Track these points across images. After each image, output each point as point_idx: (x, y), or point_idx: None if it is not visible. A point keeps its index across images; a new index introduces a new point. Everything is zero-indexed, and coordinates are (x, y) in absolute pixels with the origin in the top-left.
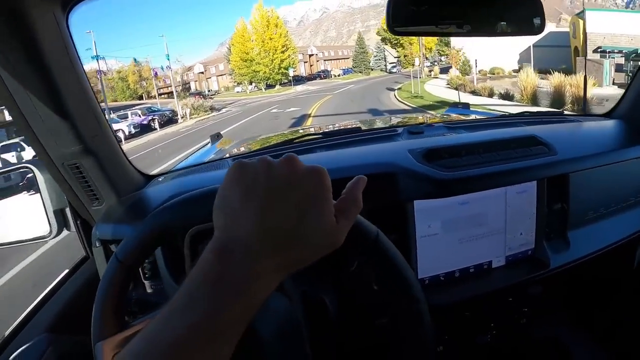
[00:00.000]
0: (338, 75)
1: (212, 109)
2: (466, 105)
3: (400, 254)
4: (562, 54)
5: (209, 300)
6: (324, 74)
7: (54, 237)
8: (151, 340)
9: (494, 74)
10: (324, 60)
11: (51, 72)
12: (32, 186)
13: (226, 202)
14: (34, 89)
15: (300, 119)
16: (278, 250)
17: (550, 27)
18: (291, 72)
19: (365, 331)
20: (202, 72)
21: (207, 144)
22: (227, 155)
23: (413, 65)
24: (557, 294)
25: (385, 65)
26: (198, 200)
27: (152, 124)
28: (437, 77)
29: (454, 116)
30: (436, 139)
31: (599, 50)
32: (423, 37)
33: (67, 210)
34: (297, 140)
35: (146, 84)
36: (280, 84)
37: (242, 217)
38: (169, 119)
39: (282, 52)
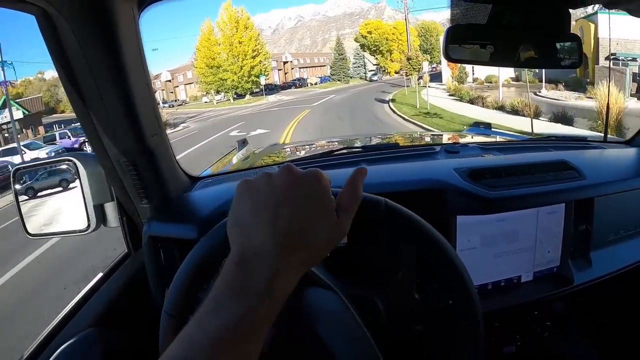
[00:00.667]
0: (315, 84)
1: (166, 125)
2: (487, 126)
3: (414, 215)
4: None
5: (235, 303)
6: (300, 83)
7: (92, 232)
8: (187, 344)
9: (490, 82)
10: (300, 67)
11: (124, 68)
12: (69, 180)
13: (238, 218)
14: (105, 84)
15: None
16: (290, 250)
17: None
18: (263, 80)
19: (405, 335)
20: (170, 81)
21: (233, 149)
22: (264, 162)
23: (397, 72)
24: (579, 311)
25: (365, 73)
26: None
27: (85, 148)
28: (428, 86)
29: (481, 137)
30: (476, 160)
31: (611, 57)
32: (411, 42)
33: (107, 206)
34: (337, 153)
35: None
36: (250, 94)
37: (254, 228)
38: None
39: (253, 57)
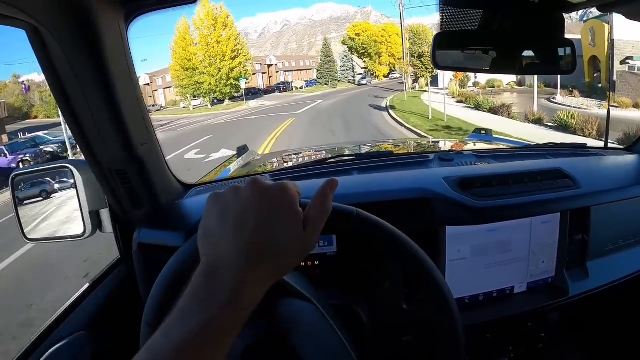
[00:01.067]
0: (300, 88)
1: None
2: (489, 132)
3: (386, 224)
4: None
5: (199, 312)
6: (285, 86)
7: (88, 237)
8: (152, 352)
9: (493, 86)
10: (285, 71)
11: (111, 78)
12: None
13: (207, 230)
14: (93, 94)
15: None
16: (256, 262)
17: None
18: (243, 84)
19: (392, 346)
20: (148, 84)
21: (233, 156)
22: (258, 170)
23: (386, 76)
24: (574, 322)
25: (354, 77)
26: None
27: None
28: (424, 90)
29: (480, 144)
30: (468, 168)
31: (627, 61)
32: (407, 45)
33: (102, 212)
34: (330, 161)
35: None
36: (230, 99)
37: (221, 240)
38: (54, 156)
39: (232, 58)
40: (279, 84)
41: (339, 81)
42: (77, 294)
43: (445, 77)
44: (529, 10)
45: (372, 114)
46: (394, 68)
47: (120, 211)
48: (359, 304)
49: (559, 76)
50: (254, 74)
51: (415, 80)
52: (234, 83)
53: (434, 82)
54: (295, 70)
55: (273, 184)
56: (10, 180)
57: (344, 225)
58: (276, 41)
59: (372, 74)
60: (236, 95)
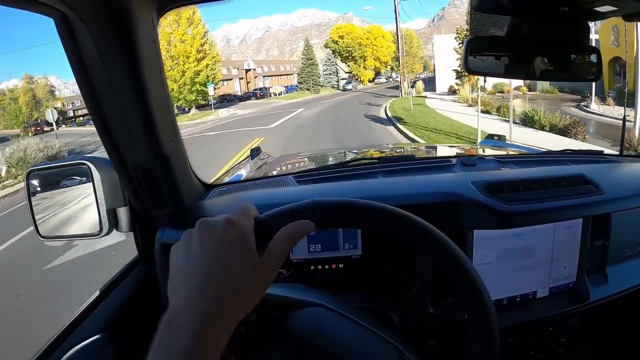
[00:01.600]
0: (279, 94)
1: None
2: (502, 138)
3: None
4: None
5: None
6: (262, 93)
7: (104, 236)
8: None
9: (502, 91)
10: (264, 76)
11: (142, 73)
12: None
13: (170, 279)
14: (122, 89)
15: None
16: (215, 304)
17: None
18: (211, 90)
19: (418, 350)
20: None
21: (247, 157)
22: (277, 172)
23: (372, 80)
24: (594, 328)
25: (338, 82)
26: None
27: None
28: (423, 96)
29: (497, 149)
30: (492, 173)
31: None
32: (386, 47)
33: (119, 211)
34: (352, 163)
35: (42, 105)
36: (197, 107)
37: (181, 287)
38: None
39: (198, 60)
40: (255, 89)
41: (321, 86)
42: (95, 295)
43: (443, 81)
44: (557, 18)
45: (374, 130)
46: (380, 72)
47: (141, 210)
48: (389, 307)
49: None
50: (229, 80)
51: (413, 85)
52: (200, 89)
53: (429, 85)
54: (275, 76)
55: (218, 220)
56: (25, 175)
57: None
58: (257, 47)
59: (357, 79)
60: (205, 102)
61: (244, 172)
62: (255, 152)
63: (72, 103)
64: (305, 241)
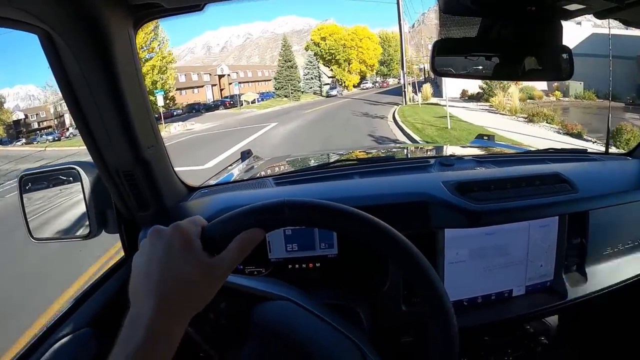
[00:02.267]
0: (252, 102)
1: None
2: (492, 138)
3: (317, 201)
4: (620, 68)
5: (122, 353)
6: (231, 101)
7: (93, 238)
8: None
9: (533, 98)
10: (240, 82)
11: (120, 83)
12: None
13: (131, 281)
14: (102, 98)
15: None
16: (165, 301)
17: (587, 27)
18: (160, 100)
19: (392, 347)
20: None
21: (238, 160)
22: (262, 174)
23: (357, 85)
24: (573, 326)
25: (320, 87)
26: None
27: None
28: (430, 103)
29: (482, 149)
30: (467, 172)
31: None
32: (373, 49)
33: (108, 213)
34: (332, 165)
35: None
36: None
37: (139, 286)
38: None
39: (144, 61)
40: (225, 97)
41: (302, 92)
42: (82, 292)
43: (451, 85)
44: (527, 19)
45: None
46: (366, 76)
47: (126, 212)
48: (359, 305)
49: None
50: (200, 87)
51: (417, 90)
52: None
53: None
54: (252, 82)
55: (168, 227)
56: (18, 180)
57: (280, 220)
58: (238, 54)
59: (342, 84)
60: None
61: (233, 174)
62: (245, 155)
63: (36, 114)
64: (283, 241)
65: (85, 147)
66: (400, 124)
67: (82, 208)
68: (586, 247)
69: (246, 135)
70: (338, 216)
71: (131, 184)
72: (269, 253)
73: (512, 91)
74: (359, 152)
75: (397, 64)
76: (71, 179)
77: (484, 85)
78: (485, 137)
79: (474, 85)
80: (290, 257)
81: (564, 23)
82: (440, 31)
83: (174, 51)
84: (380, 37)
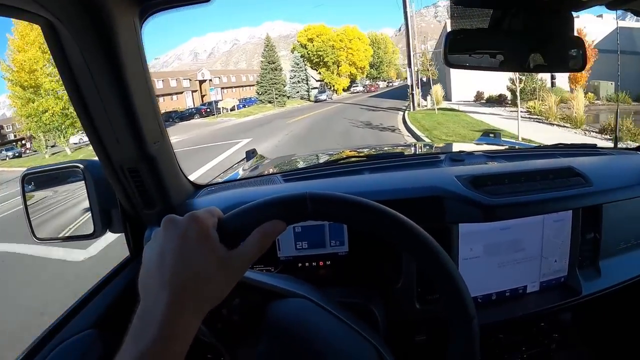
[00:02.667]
0: (232, 109)
1: None
2: (498, 135)
3: (340, 194)
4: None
5: (134, 347)
6: (208, 108)
7: (97, 237)
8: None
9: (565, 101)
10: (223, 88)
11: (126, 76)
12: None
13: (141, 274)
14: (107, 91)
15: None
16: (180, 295)
17: (608, 20)
18: None
19: (406, 345)
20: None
21: (243, 159)
22: (269, 172)
23: (347, 89)
24: (587, 323)
25: (308, 91)
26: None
27: None
28: (452, 108)
29: (491, 145)
30: (479, 167)
31: None
32: (364, 50)
33: (113, 212)
34: (342, 162)
35: None
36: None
37: (150, 280)
38: None
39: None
40: (202, 104)
41: (288, 97)
42: (86, 293)
43: (460, 87)
44: (539, 10)
45: None
46: (356, 79)
47: (132, 210)
48: (373, 302)
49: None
50: (179, 93)
51: (422, 92)
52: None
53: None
54: (236, 87)
55: (183, 217)
56: (20, 178)
57: (303, 213)
58: (226, 60)
59: (331, 88)
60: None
61: (239, 174)
62: (250, 154)
63: (12, 125)
64: (293, 238)
65: None
66: (429, 139)
67: (85, 207)
68: (599, 242)
69: (208, 158)
70: (364, 211)
71: (136, 180)
72: (278, 251)
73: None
74: (367, 149)
75: (387, 66)
76: (75, 177)
77: (513, 87)
78: (492, 135)
79: (489, 86)
80: (300, 255)
81: (584, 16)
82: (452, 23)
83: (161, 58)
84: (371, 39)
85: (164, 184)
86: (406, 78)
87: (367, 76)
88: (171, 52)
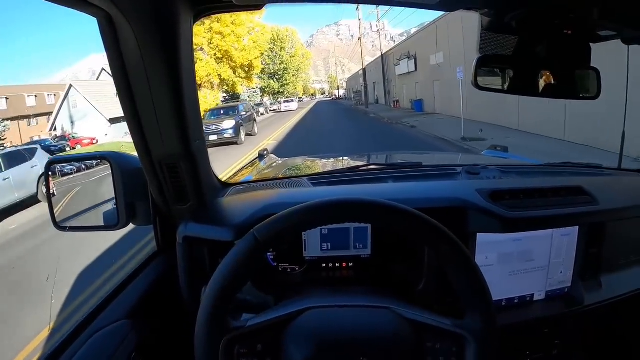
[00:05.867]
0: None
1: None
2: (505, 149)
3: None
4: None
5: None
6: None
7: (120, 229)
8: None
9: None
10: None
11: (179, 74)
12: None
13: None
14: (159, 88)
15: None
16: None
17: None
18: None
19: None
20: None
21: (256, 159)
22: (290, 174)
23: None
24: (587, 331)
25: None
26: (326, 209)
27: None
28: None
29: (505, 160)
30: (496, 182)
31: None
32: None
33: (137, 205)
34: (363, 168)
35: None
36: None
37: None
38: None
39: None
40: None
41: None
42: (116, 285)
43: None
44: (561, 39)
45: None
46: (236, 91)
47: (163, 205)
48: (392, 304)
49: None
50: (42, 115)
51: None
52: None
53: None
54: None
55: None
56: (46, 166)
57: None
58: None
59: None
60: None
61: (255, 173)
62: (263, 155)
63: None
64: (319, 240)
65: None
66: None
67: (110, 199)
68: (602, 257)
69: None
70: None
71: (173, 176)
72: (305, 251)
73: None
74: (378, 156)
75: (293, 76)
76: (102, 169)
77: None
78: (499, 148)
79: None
80: (324, 256)
81: None
82: (480, 48)
83: (57, 75)
84: (273, 36)
85: (199, 181)
86: (313, 94)
87: (263, 90)
88: (68, 70)
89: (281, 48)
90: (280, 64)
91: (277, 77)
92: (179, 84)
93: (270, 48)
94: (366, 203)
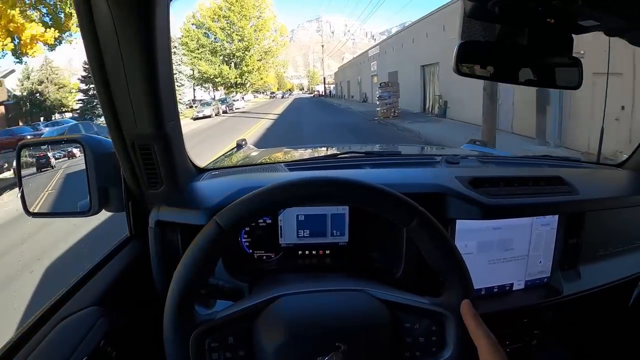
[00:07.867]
0: None
1: None
2: (484, 143)
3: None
4: None
5: None
6: None
7: (92, 215)
8: None
9: None
10: None
11: (154, 50)
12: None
13: None
14: (132, 64)
15: None
16: None
17: None
18: None
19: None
20: None
21: (234, 149)
22: (267, 160)
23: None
24: (566, 321)
25: None
26: (288, 188)
27: None
28: None
29: (484, 152)
30: (475, 169)
31: None
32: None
33: (110, 190)
34: (341, 156)
35: None
36: None
37: None
38: None
39: None
40: None
41: None
42: (86, 270)
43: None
44: (544, 29)
45: None
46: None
47: (136, 189)
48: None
49: None
50: None
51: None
52: None
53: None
54: None
55: None
56: (16, 149)
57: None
58: None
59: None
60: None
61: (232, 160)
62: (242, 144)
63: None
64: (295, 226)
65: None
66: None
67: (83, 184)
68: (581, 248)
69: None
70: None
71: (146, 158)
72: (280, 238)
73: None
74: (361, 146)
75: (260, 60)
76: (74, 152)
77: None
78: (478, 142)
79: None
80: (301, 243)
81: None
82: (463, 34)
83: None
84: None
85: (172, 164)
86: (290, 90)
87: (211, 80)
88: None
89: (242, 17)
90: (239, 41)
91: (233, 61)
92: (153, 63)
93: (223, 15)
94: (332, 180)
